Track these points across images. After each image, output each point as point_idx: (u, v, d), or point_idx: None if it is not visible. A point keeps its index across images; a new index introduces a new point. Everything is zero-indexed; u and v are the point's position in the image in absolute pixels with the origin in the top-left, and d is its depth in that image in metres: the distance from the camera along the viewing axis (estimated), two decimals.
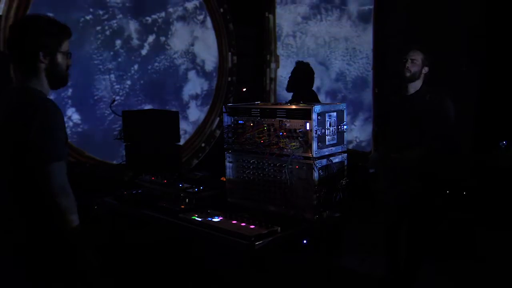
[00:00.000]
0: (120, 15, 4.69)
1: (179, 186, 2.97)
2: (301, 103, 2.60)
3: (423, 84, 3.38)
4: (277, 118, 2.57)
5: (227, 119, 2.81)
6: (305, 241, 2.46)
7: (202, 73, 5.67)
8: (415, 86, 3.39)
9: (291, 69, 4.68)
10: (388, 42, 6.41)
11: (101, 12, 4.56)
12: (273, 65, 6.22)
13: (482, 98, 5.77)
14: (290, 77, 4.70)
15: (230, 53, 5.83)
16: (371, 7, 6.68)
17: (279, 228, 2.28)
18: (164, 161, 3.78)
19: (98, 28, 4.58)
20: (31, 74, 2.07)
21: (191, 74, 5.56)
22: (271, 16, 6.17)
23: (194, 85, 5.60)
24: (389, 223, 3.60)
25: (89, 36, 4.49)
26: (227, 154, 2.83)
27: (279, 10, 6.13)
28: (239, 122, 2.74)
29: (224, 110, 2.82)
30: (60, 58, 2.10)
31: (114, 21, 4.66)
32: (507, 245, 4.41)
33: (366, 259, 4.02)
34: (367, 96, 6.79)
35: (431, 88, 3.40)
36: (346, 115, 2.64)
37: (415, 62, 3.30)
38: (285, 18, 6.18)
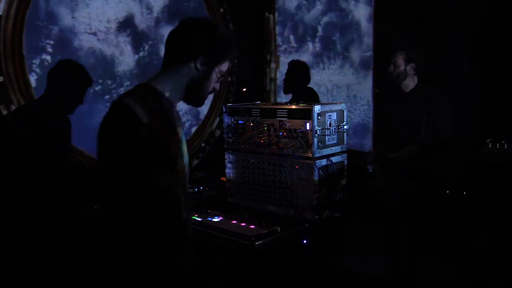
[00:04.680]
0: (128, 83, 4.76)
1: None
2: (301, 103, 2.60)
3: (418, 82, 3.46)
4: (277, 118, 2.57)
5: (227, 119, 2.81)
6: (305, 241, 2.47)
7: None
8: (408, 85, 3.50)
9: None
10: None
11: (109, 82, 4.62)
12: (273, 65, 6.22)
13: (483, 98, 5.76)
14: (285, 78, 4.71)
15: None
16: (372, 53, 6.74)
17: (279, 228, 2.28)
18: None
19: (107, 97, 4.64)
20: (172, 75, 1.77)
21: (195, 130, 5.61)
22: (271, 16, 6.17)
23: None
24: (387, 221, 3.62)
25: (99, 105, 4.53)
26: (227, 154, 2.83)
27: (283, 58, 6.17)
28: (239, 122, 2.74)
29: (224, 110, 2.82)
30: (213, 75, 1.81)
31: (122, 89, 4.72)
32: (507, 242, 4.41)
33: (366, 259, 4.02)
34: (367, 142, 6.85)
35: (426, 85, 3.48)
36: (346, 115, 2.64)
37: (397, 64, 3.46)
38: None
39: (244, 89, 6.01)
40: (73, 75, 3.10)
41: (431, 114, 3.33)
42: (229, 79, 5.89)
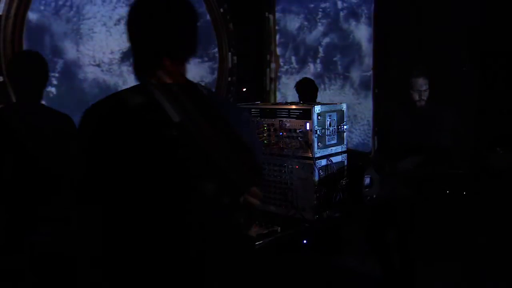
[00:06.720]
0: None
1: None
2: (301, 103, 2.60)
3: (428, 96, 3.48)
4: (277, 118, 2.57)
5: None
6: (305, 241, 2.47)
7: None
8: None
9: None
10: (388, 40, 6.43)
11: None
12: (273, 65, 6.22)
13: (483, 98, 5.77)
14: (299, 97, 4.75)
15: (230, 53, 5.83)
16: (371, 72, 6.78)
17: (279, 228, 2.28)
18: None
19: None
20: None
21: None
22: (271, 16, 6.16)
23: None
24: (373, 226, 3.60)
25: None
26: None
27: (284, 79, 6.22)
28: None
29: None
30: None
31: None
32: (507, 242, 4.42)
33: (366, 259, 4.02)
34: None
35: (434, 100, 3.49)
36: (346, 115, 2.64)
37: (424, 91, 3.36)
38: (290, 88, 6.24)
39: (244, 89, 6.01)
40: (28, 62, 3.09)
41: (437, 126, 3.35)
42: (229, 79, 5.90)
